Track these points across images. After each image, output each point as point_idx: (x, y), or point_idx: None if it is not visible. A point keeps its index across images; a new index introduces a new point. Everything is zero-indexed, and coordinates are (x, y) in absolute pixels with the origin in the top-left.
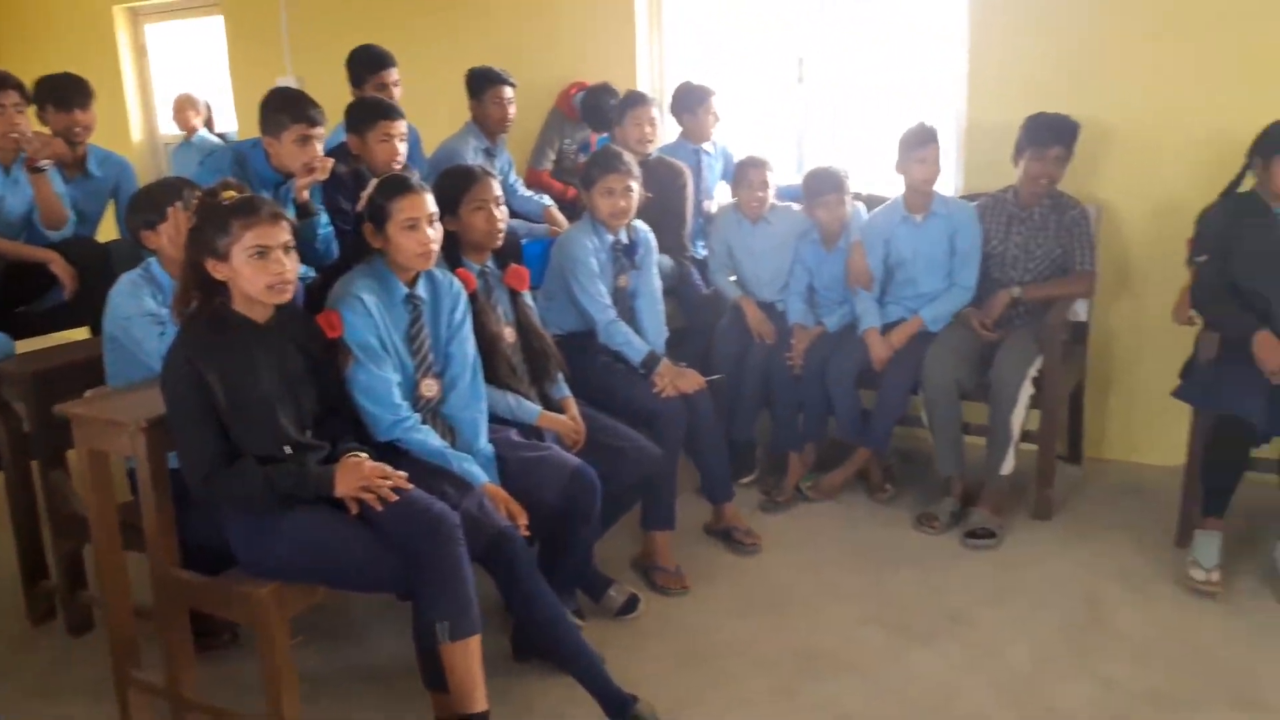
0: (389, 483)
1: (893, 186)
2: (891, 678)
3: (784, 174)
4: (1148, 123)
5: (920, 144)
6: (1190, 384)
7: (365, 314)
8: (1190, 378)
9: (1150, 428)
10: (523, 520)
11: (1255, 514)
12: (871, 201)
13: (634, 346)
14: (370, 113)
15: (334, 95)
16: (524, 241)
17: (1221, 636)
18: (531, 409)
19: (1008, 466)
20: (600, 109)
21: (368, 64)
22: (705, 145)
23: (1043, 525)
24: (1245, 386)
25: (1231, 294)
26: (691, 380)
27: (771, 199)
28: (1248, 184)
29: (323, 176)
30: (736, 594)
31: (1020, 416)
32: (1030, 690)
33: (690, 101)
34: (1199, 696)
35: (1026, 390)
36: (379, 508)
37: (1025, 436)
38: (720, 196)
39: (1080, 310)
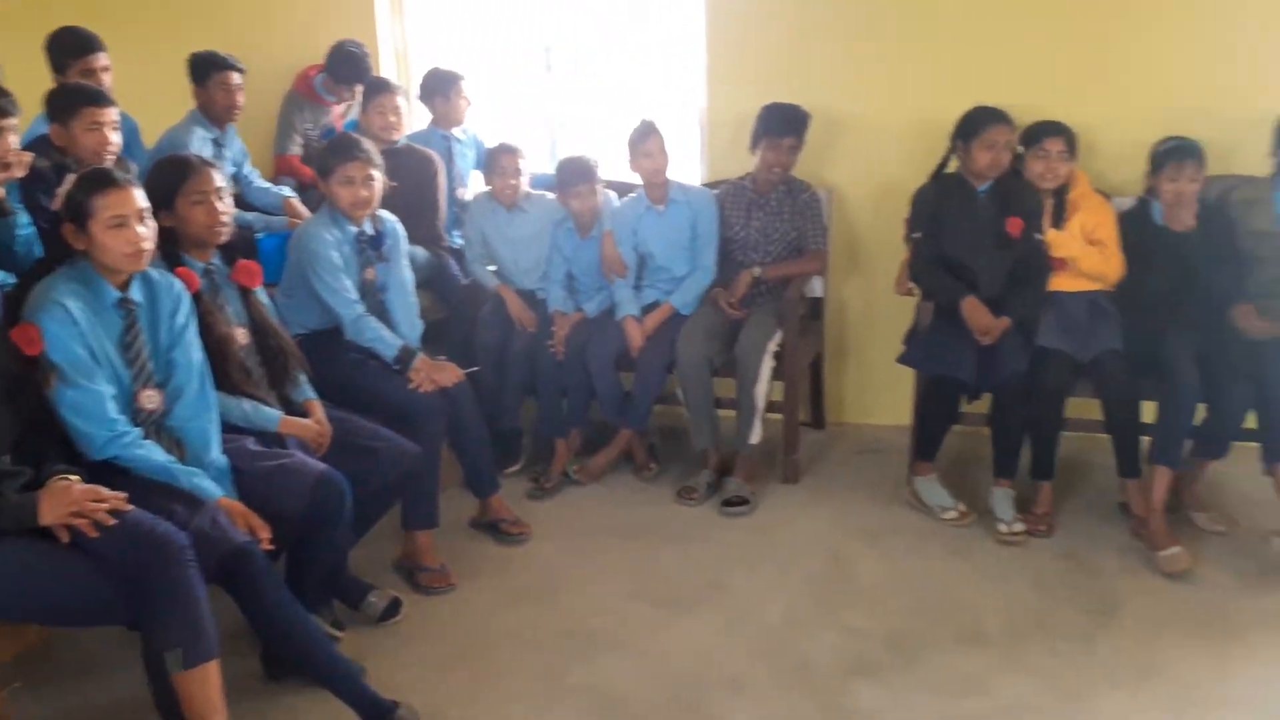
0: (104, 505)
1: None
2: (657, 649)
3: (538, 162)
4: (870, 111)
5: (642, 139)
6: (911, 350)
7: (69, 322)
8: (911, 344)
9: (882, 391)
10: (264, 534)
11: (967, 461)
12: (625, 190)
13: (386, 342)
14: (74, 99)
15: (33, 83)
16: (260, 236)
17: (948, 578)
18: (271, 414)
19: (756, 435)
20: (351, 61)
21: (70, 49)
22: (456, 132)
23: (792, 489)
24: (958, 349)
25: (942, 266)
26: (449, 373)
27: (526, 186)
28: (953, 166)
29: (20, 173)
30: (504, 585)
31: (764, 388)
32: (782, 646)
33: (440, 85)
34: (929, 635)
35: (768, 364)
36: (93, 533)
37: (771, 407)
38: (475, 185)
39: (816, 286)
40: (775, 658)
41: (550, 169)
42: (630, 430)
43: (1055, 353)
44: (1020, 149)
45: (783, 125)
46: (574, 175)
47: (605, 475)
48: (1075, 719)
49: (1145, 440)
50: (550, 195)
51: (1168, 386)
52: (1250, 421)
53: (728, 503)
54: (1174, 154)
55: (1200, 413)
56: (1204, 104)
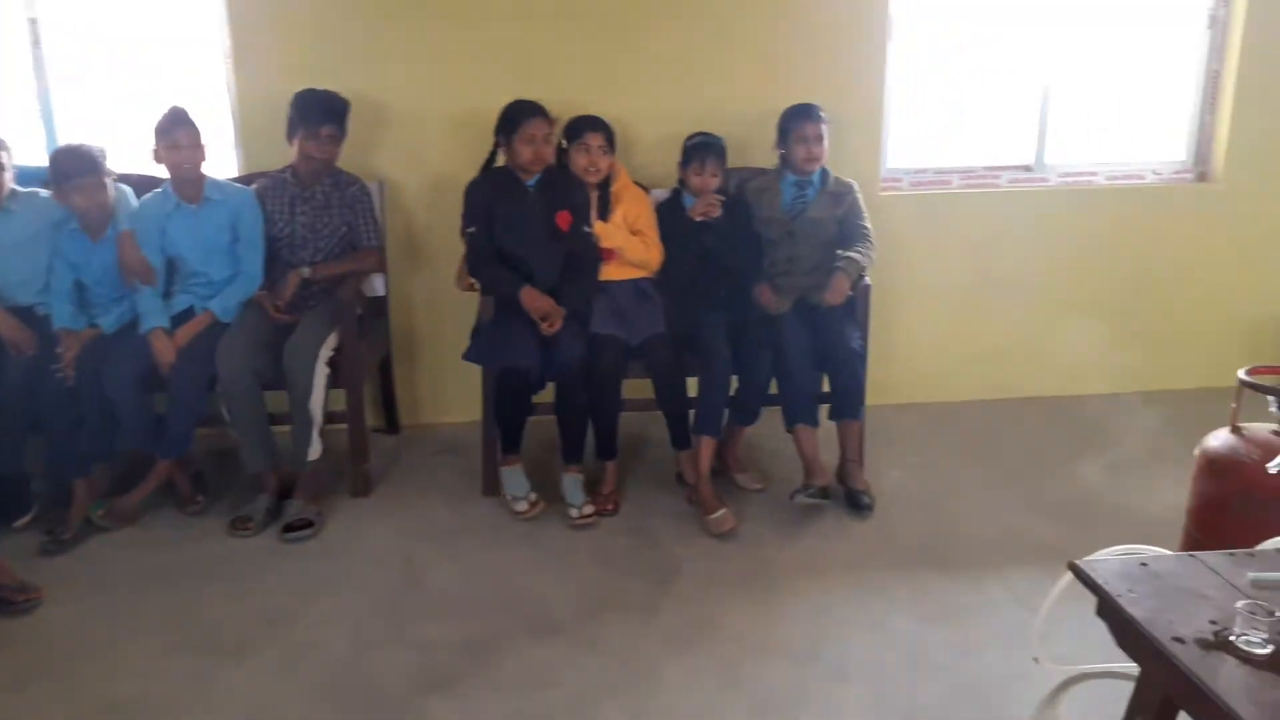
0: None
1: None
2: (202, 708)
3: (25, 153)
4: (415, 99)
5: (170, 129)
6: (475, 345)
7: None
8: (475, 339)
9: (457, 389)
10: None
11: (544, 449)
12: (141, 184)
13: None
14: None
15: None
16: None
17: (521, 570)
18: None
19: (315, 451)
20: None
21: None
22: None
23: (363, 502)
24: (520, 341)
25: (498, 259)
26: None
27: (10, 183)
28: (503, 159)
29: None
30: (6, 666)
31: (320, 398)
32: (350, 676)
33: None
34: (503, 632)
35: (323, 371)
36: None
37: (335, 416)
38: None
39: (378, 285)
40: (342, 691)
41: (42, 161)
42: (168, 460)
43: (609, 338)
44: (564, 143)
45: (319, 114)
46: (75, 166)
47: (140, 515)
48: (644, 691)
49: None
50: (44, 193)
51: (704, 363)
52: (774, 388)
53: (289, 528)
54: (698, 149)
55: (734, 384)
56: (725, 102)
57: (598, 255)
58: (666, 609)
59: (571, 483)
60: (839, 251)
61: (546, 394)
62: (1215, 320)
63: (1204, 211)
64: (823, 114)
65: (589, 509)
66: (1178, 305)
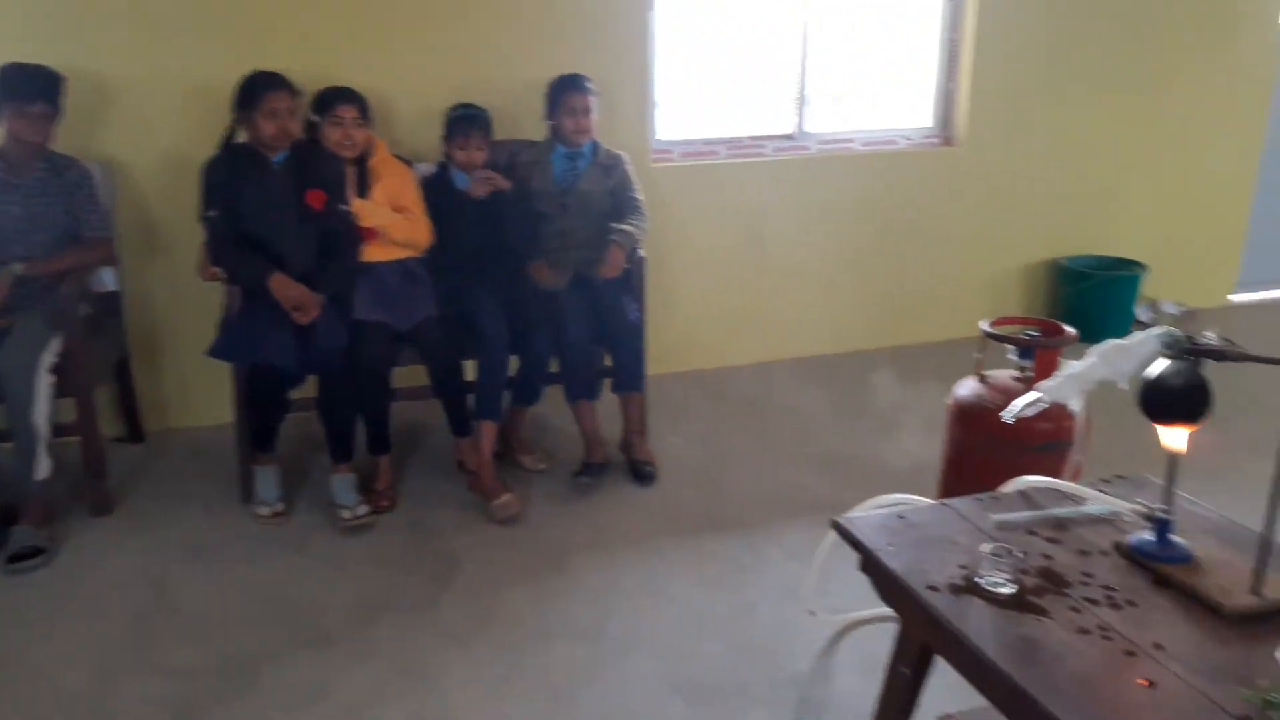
0: None
1: None
2: None
3: None
4: (140, 70)
5: None
6: (222, 340)
7: None
8: (222, 333)
9: (208, 388)
10: None
11: (306, 448)
12: None
13: None
14: None
15: None
16: None
17: (288, 580)
18: None
19: (43, 469)
20: None
21: None
22: None
23: (105, 521)
24: (272, 334)
25: (243, 244)
26: None
27: None
28: (244, 135)
29: None
30: None
31: (45, 409)
32: (92, 711)
33: None
34: (267, 650)
35: (45, 379)
36: None
37: (65, 429)
38: None
39: (108, 279)
40: None
41: None
42: None
43: (374, 325)
44: (315, 117)
45: (28, 89)
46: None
47: None
48: (423, 692)
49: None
50: None
51: (481, 344)
52: (555, 366)
53: (15, 558)
54: (461, 122)
55: (514, 364)
56: (488, 72)
57: (357, 235)
58: (447, 604)
59: (342, 483)
60: (612, 224)
61: (310, 388)
62: (963, 275)
63: (950, 174)
64: (590, 85)
65: (363, 509)
66: (929, 263)
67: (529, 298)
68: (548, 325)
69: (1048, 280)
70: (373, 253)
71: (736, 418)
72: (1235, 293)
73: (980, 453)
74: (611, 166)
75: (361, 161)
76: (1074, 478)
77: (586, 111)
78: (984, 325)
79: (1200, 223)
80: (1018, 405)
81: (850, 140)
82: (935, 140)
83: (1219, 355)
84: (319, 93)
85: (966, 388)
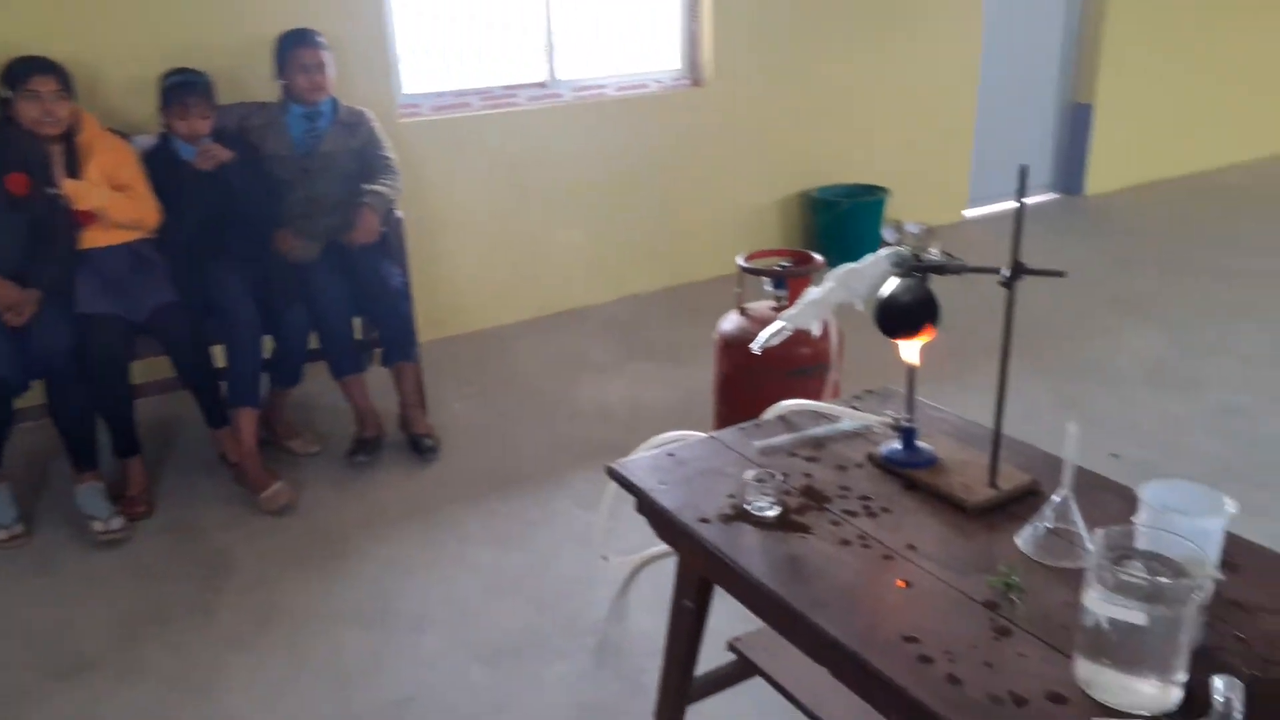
0: None
1: None
2: None
3: None
4: None
5: None
6: None
7: None
8: None
9: None
10: None
11: (45, 459)
12: None
13: None
14: None
15: None
16: None
17: (35, 607)
18: None
19: None
20: None
21: None
22: None
23: None
24: None
25: None
26: None
27: None
28: None
29: None
30: None
31: None
32: None
33: None
34: (15, 687)
35: None
36: None
37: None
38: None
39: None
40: None
41: None
42: None
43: (102, 318)
44: (6, 92)
45: None
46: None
47: None
48: (203, 704)
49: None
50: None
51: (228, 327)
52: (316, 343)
53: None
54: (178, 90)
55: (271, 345)
56: (206, 33)
57: (73, 220)
58: (221, 608)
59: (89, 493)
60: (363, 186)
61: (39, 394)
62: (724, 213)
63: (701, 114)
64: (321, 39)
65: (116, 520)
66: (692, 203)
67: (277, 272)
68: (301, 300)
69: (802, 211)
70: (93, 238)
71: (518, 376)
72: (968, 209)
73: (747, 382)
74: (355, 125)
75: (69, 139)
76: (834, 396)
77: (320, 67)
78: (740, 260)
79: (933, 147)
80: (764, 335)
81: (603, 86)
82: (685, 82)
83: (941, 269)
84: (8, 64)
85: (730, 322)
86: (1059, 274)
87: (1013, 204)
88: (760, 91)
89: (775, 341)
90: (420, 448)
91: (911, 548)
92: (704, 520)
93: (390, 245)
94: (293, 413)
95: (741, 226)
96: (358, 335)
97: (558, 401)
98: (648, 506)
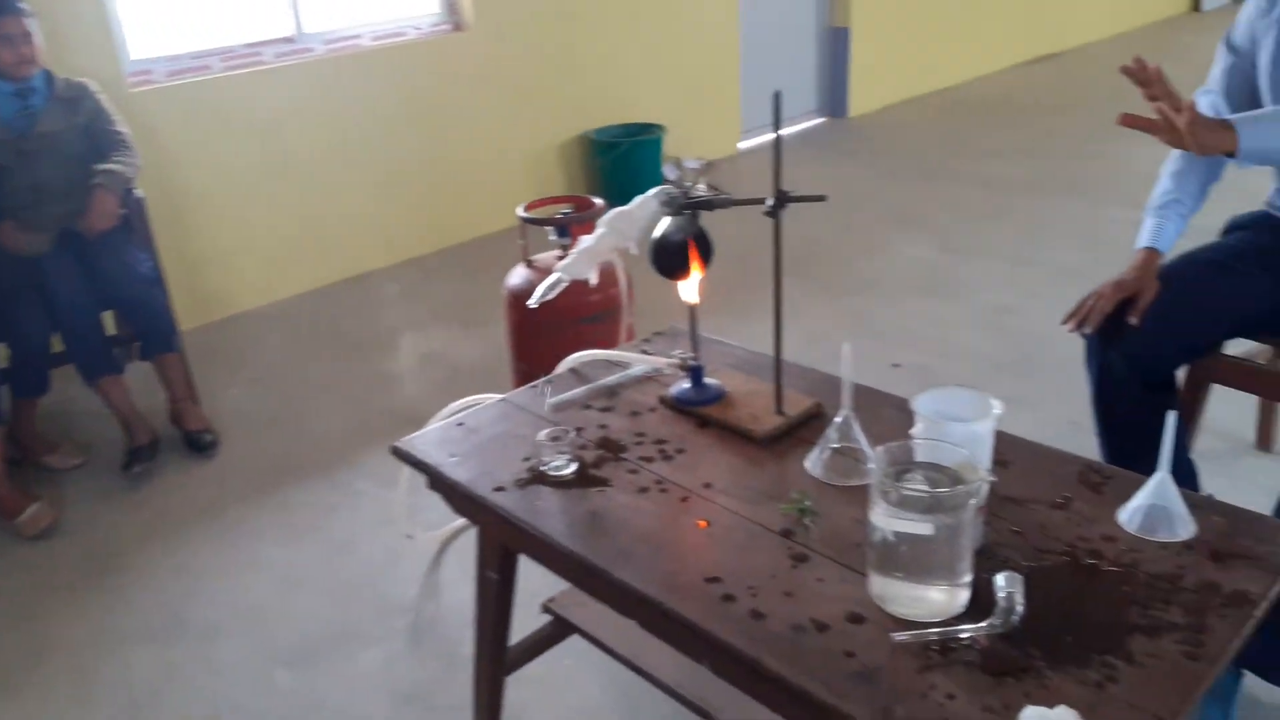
0: None
1: None
2: None
3: None
4: None
5: None
6: None
7: None
8: None
9: None
10: None
11: None
12: None
13: None
14: None
15: None
16: None
17: None
18: None
19: None
20: None
21: None
22: None
23: None
24: None
25: None
26: None
27: None
28: None
29: None
30: None
31: None
32: None
33: None
34: None
35: None
36: None
37: None
38: None
39: None
40: None
41: None
42: None
43: None
44: None
45: None
46: None
47: None
48: None
49: None
50: None
51: None
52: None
53: None
54: None
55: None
56: None
57: None
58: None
59: None
60: (94, 166)
61: None
62: (502, 163)
63: (467, 60)
64: (22, 4)
65: None
66: (467, 156)
67: (4, 270)
68: (34, 298)
69: (582, 154)
70: None
71: (300, 354)
72: (742, 140)
73: (541, 336)
74: (76, 99)
75: None
76: (629, 339)
77: (26, 37)
78: (520, 211)
79: (702, 81)
80: (540, 289)
81: (357, 36)
82: (446, 27)
83: (708, 204)
84: None
85: (517, 275)
86: (820, 199)
87: (784, 131)
88: (526, 33)
89: (552, 295)
90: (197, 444)
91: (708, 486)
92: (499, 489)
93: (133, 228)
94: (45, 424)
95: (523, 175)
96: (110, 332)
97: (346, 377)
98: (440, 482)
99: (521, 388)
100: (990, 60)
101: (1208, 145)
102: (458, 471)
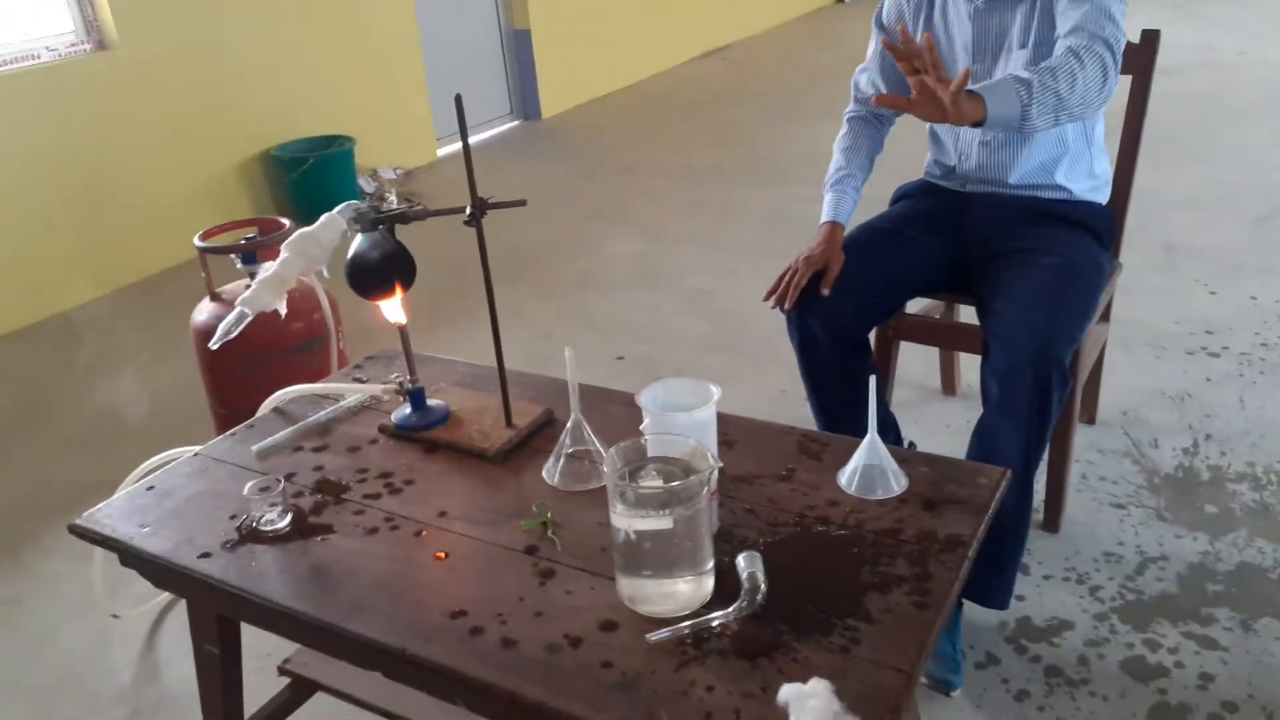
0: None
1: None
2: None
3: None
4: None
5: None
6: None
7: None
8: None
9: None
10: None
11: None
12: None
13: None
14: None
15: None
16: None
17: None
18: None
19: None
20: None
21: None
22: None
23: None
24: None
25: None
26: None
27: None
28: None
29: None
30: None
31: None
32: None
33: None
34: None
35: None
36: None
37: None
38: None
39: None
40: None
41: None
42: None
43: None
44: None
45: None
46: None
47: None
48: None
49: None
50: None
51: None
52: None
53: None
54: None
55: None
56: None
57: None
58: None
59: None
60: None
61: None
62: (176, 190)
63: (117, 81)
64: None
65: None
66: (133, 186)
67: None
68: None
69: (267, 173)
70: None
71: None
72: (441, 146)
73: (240, 375)
74: None
75: None
76: (342, 365)
77: None
78: (197, 242)
79: (388, 88)
80: (221, 328)
81: None
82: (86, 46)
83: (403, 218)
84: None
85: (203, 312)
86: (520, 203)
87: (480, 136)
88: (184, 47)
89: (236, 332)
90: None
91: (443, 514)
92: (205, 555)
93: None
94: None
95: (204, 201)
96: None
97: (19, 447)
98: (133, 557)
99: (220, 438)
100: (667, 56)
101: (966, 116)
102: (152, 543)
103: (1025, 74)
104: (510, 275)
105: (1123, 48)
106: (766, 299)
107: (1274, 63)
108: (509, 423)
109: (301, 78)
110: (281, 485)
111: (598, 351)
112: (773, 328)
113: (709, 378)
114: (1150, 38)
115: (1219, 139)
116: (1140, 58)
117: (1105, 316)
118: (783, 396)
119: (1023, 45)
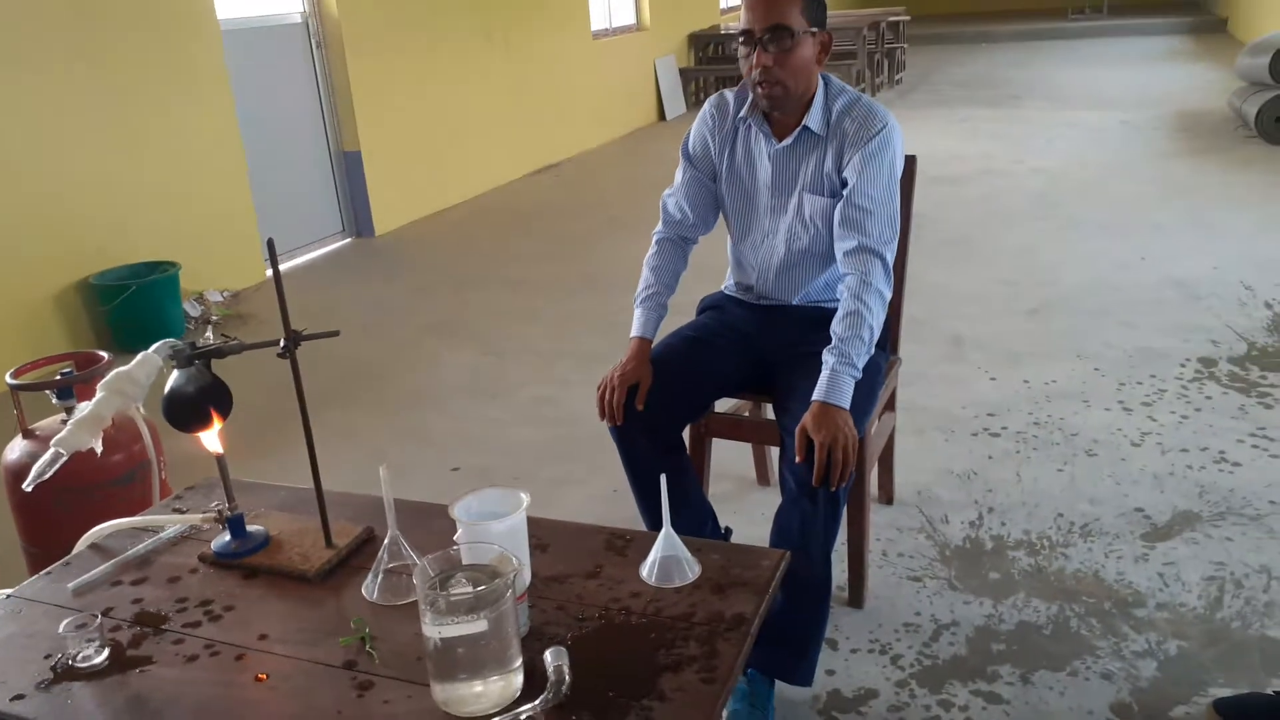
0: None
1: None
2: None
3: None
4: None
5: None
6: None
7: None
8: None
9: None
10: None
11: None
12: None
13: None
14: None
15: None
16: None
17: None
18: None
19: None
20: None
21: None
22: None
23: None
24: None
25: None
26: None
27: None
28: None
29: None
30: None
31: None
32: None
33: None
34: None
35: None
36: None
37: None
38: None
39: None
40: None
41: None
42: None
43: None
44: None
45: None
46: None
47: None
48: None
49: None
50: None
51: None
52: None
53: None
54: None
55: None
56: None
57: None
58: None
59: None
60: None
61: None
62: None
63: None
64: None
65: None
66: None
67: None
68: None
69: (86, 303)
70: None
71: None
72: (270, 267)
73: (56, 512)
74: None
75: None
76: (165, 495)
77: None
78: (9, 379)
79: (214, 212)
80: (37, 468)
81: None
82: None
83: (219, 353)
84: None
85: (16, 450)
86: (333, 334)
87: (312, 255)
88: None
89: (51, 471)
90: None
91: (264, 637)
92: (18, 697)
93: None
94: None
95: (16, 335)
96: None
97: None
98: None
99: (33, 578)
100: (500, 173)
101: (844, 422)
102: None
103: (835, 349)
104: (344, 395)
105: (895, 246)
106: (602, 419)
107: (1042, 170)
108: (329, 543)
109: (125, 206)
110: (99, 620)
111: (432, 465)
112: (604, 432)
113: (545, 483)
114: (909, 161)
115: (998, 239)
116: (904, 180)
117: (891, 406)
118: (614, 496)
119: (815, 188)
